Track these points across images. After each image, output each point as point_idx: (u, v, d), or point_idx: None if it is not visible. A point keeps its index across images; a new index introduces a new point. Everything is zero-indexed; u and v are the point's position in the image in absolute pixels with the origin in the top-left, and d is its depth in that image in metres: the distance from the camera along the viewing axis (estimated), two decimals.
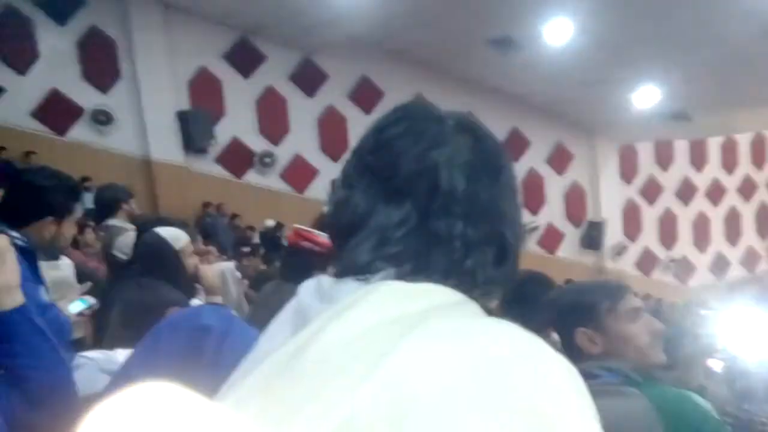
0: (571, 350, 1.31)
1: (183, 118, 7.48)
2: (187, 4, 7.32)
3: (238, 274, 3.27)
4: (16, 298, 0.97)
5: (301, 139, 8.55)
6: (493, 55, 7.56)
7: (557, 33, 6.89)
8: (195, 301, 1.76)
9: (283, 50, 8.23)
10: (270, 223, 7.33)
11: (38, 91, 6.90)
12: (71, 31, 7.11)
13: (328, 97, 8.73)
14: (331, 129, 8.65)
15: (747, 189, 12.56)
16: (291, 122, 8.54)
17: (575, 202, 10.78)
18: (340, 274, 0.59)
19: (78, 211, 1.56)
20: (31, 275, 1.31)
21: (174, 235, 1.77)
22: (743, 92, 8.17)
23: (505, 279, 0.61)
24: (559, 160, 10.60)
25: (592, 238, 10.34)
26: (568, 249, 10.55)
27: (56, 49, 7.00)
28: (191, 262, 1.77)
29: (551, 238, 10.45)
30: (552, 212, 10.50)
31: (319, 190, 7.63)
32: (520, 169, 10.17)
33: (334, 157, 8.07)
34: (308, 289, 0.59)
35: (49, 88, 6.94)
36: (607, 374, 1.22)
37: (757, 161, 12.59)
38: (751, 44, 6.76)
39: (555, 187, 10.60)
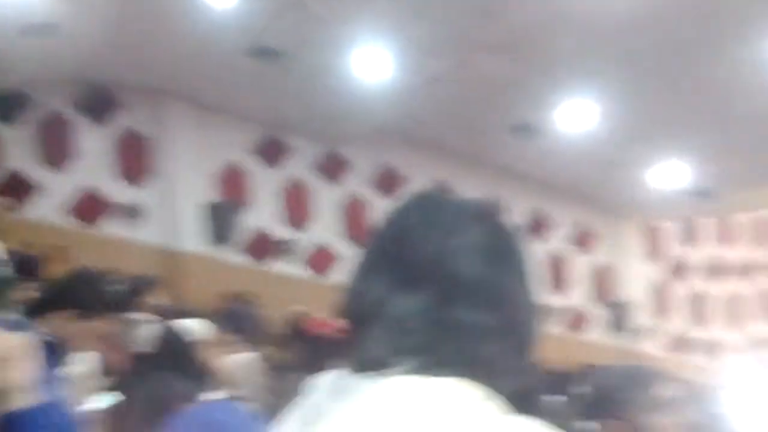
0: None
1: (211, 210, 7.71)
2: (219, 102, 7.72)
3: (263, 365, 3.24)
4: (28, 398, 0.97)
5: (325, 226, 8.68)
6: (515, 141, 7.72)
7: (577, 117, 7.03)
8: (211, 395, 1.75)
9: (308, 142, 8.53)
10: (295, 310, 7.30)
11: (73, 188, 7.21)
12: (108, 131, 7.51)
13: (351, 186, 8.93)
14: (354, 216, 8.78)
15: None
16: (314, 210, 8.71)
17: (601, 283, 10.58)
18: (358, 368, 0.58)
19: (104, 305, 1.59)
20: (52, 371, 1.32)
21: (190, 328, 1.79)
22: (764, 169, 8.14)
23: (526, 367, 0.61)
24: (584, 240, 10.52)
25: (618, 320, 10.05)
26: (595, 331, 10.26)
27: (93, 148, 7.37)
28: (209, 354, 1.78)
29: (578, 320, 10.20)
30: (577, 294, 10.31)
31: (344, 277, 7.61)
32: (545, 250, 10.11)
33: (358, 244, 8.13)
34: (324, 383, 0.58)
35: (84, 184, 7.25)
36: None
37: None
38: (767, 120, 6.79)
39: (580, 268, 10.46)
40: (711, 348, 11.28)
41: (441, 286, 0.58)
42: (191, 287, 7.20)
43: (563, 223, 10.31)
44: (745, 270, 11.86)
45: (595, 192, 9.84)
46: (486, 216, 0.65)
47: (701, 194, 8.66)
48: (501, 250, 0.62)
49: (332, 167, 8.84)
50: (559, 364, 7.26)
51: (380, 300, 0.60)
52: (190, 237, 7.59)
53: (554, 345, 8.29)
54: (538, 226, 10.06)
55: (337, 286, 0.70)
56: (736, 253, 11.76)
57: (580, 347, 9.59)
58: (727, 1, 4.99)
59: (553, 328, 9.57)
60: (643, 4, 5.10)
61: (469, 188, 9.32)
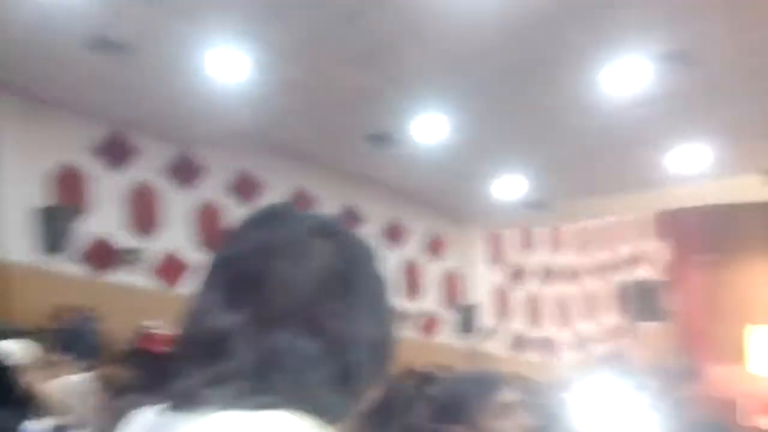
0: None
1: (43, 215, 6.94)
2: (55, 97, 7.01)
3: (99, 386, 2.97)
4: None
5: (175, 233, 8.23)
6: (371, 150, 7.89)
7: (430, 129, 7.35)
8: (36, 424, 1.57)
9: (157, 144, 8.04)
10: (144, 325, 6.83)
11: None
12: None
13: (205, 191, 8.57)
14: (207, 223, 8.43)
15: (601, 270, 13.73)
16: (163, 216, 8.23)
17: (451, 288, 11.18)
18: (172, 401, 0.53)
19: None
20: None
21: (10, 350, 1.60)
22: (590, 182, 9.12)
23: (351, 398, 0.57)
24: (436, 247, 11.05)
25: (466, 322, 10.69)
26: (446, 334, 10.81)
27: None
28: (33, 377, 1.60)
29: (430, 324, 10.68)
30: (429, 299, 10.80)
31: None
32: (399, 258, 10.45)
33: (211, 252, 7.80)
34: (139, 422, 0.53)
35: None
36: None
37: (609, 244, 13.88)
38: (593, 140, 7.61)
39: (432, 274, 10.97)
40: (545, 346, 12.38)
41: (264, 308, 0.55)
42: (18, 302, 6.45)
43: (416, 230, 10.74)
44: (573, 274, 13.19)
45: (445, 201, 10.40)
46: (333, 235, 0.61)
47: (536, 205, 9.50)
48: (341, 271, 0.58)
49: (184, 171, 8.41)
50: (415, 367, 7.54)
51: (205, 320, 0.56)
52: (18, 246, 6.78)
53: (409, 349, 8.59)
54: (393, 234, 10.38)
55: (189, 298, 0.66)
56: (565, 258, 13.05)
57: (433, 350, 10.03)
58: (563, 30, 5.53)
59: (408, 332, 9.93)
60: (490, 27, 5.49)
61: (327, 196, 9.38)
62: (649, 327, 13.72)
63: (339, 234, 0.61)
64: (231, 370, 0.53)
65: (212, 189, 8.59)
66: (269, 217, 0.62)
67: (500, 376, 1.44)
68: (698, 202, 10.30)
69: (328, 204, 9.11)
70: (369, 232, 9.97)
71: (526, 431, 1.30)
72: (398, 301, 10.09)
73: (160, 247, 8.10)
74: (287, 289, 0.55)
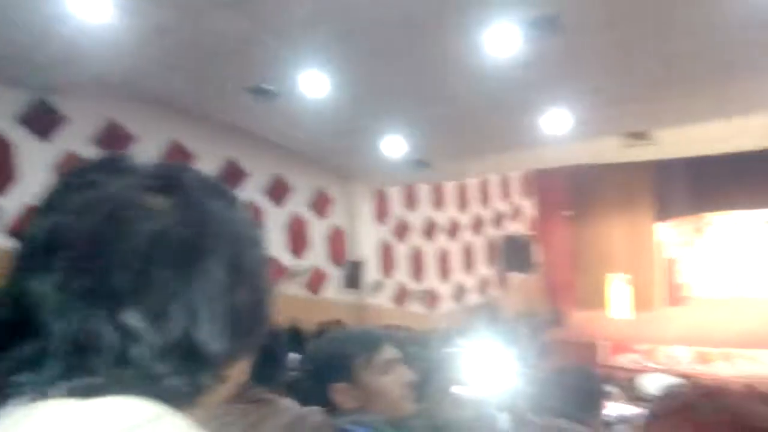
0: (328, 405, 1.31)
1: None
2: None
3: None
4: None
5: (33, 189, 7.50)
6: (253, 103, 7.59)
7: (313, 84, 7.18)
8: None
9: (9, 90, 7.21)
10: None
11: None
12: None
13: (66, 143, 7.84)
14: None
15: (477, 225, 14.45)
16: (18, 171, 7.46)
17: (336, 244, 11.25)
18: None
19: None
20: None
21: None
22: (470, 142, 9.44)
23: (201, 377, 0.50)
24: (321, 204, 11.01)
25: (352, 278, 10.86)
26: (332, 289, 10.92)
27: None
28: None
29: (316, 281, 10.72)
30: (315, 255, 10.81)
31: None
32: (285, 215, 10.31)
33: None
34: None
35: None
36: (358, 429, 1.24)
37: (485, 201, 14.59)
38: (473, 101, 7.84)
39: (317, 230, 10.95)
40: (428, 297, 12.91)
41: (82, 278, 0.47)
42: None
43: (301, 187, 10.62)
44: (453, 230, 13.76)
45: (330, 158, 10.32)
46: (173, 190, 0.52)
47: (420, 164, 9.71)
48: (181, 233, 0.50)
49: (41, 120, 7.63)
50: (302, 323, 7.55)
51: (13, 290, 0.48)
52: None
53: (296, 306, 8.58)
54: (277, 190, 10.19)
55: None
56: (446, 214, 13.56)
57: (320, 306, 10.10)
58: None
59: (295, 290, 9.90)
60: None
61: (206, 150, 8.97)
62: (519, 278, 14.74)
63: (183, 189, 0.53)
64: (42, 350, 0.46)
65: (75, 140, 7.89)
66: (97, 170, 0.53)
67: (381, 334, 1.46)
68: (563, 163, 11.05)
69: (208, 158, 8.72)
70: (252, 188, 9.71)
71: (406, 386, 1.33)
72: (283, 258, 10.00)
73: (17, 203, 7.37)
74: (110, 257, 0.47)
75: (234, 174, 9.37)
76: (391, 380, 1.30)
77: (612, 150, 9.22)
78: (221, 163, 9.28)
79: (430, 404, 2.23)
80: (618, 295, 15.19)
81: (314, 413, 1.31)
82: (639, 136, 8.59)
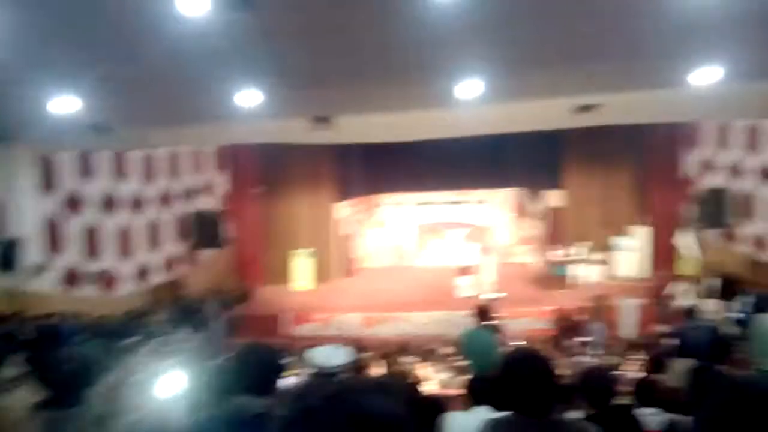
0: None
1: None
2: None
3: None
4: None
5: None
6: None
7: None
8: None
9: None
10: None
11: None
12: None
13: None
14: None
15: (165, 199, 13.73)
16: None
17: None
18: None
19: None
20: None
21: None
22: (159, 111, 8.86)
23: None
24: None
25: (6, 259, 9.27)
26: None
27: None
28: None
29: None
30: None
31: None
32: None
33: None
34: None
35: None
36: None
37: (174, 174, 13.92)
38: (164, 66, 7.35)
39: None
40: (103, 279, 11.73)
41: None
42: None
43: None
44: (137, 203, 12.80)
45: None
46: None
47: (96, 128, 8.73)
48: None
49: None
50: None
51: None
52: None
53: None
54: None
55: None
56: (129, 187, 12.52)
57: None
58: None
59: None
60: None
61: None
62: (208, 254, 14.54)
63: None
64: None
65: None
66: None
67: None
68: (254, 140, 11.23)
69: None
70: None
71: (30, 405, 1.19)
72: None
73: None
74: None
75: None
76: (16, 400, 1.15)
77: (299, 131, 9.70)
78: None
79: (96, 396, 2.05)
80: (301, 268, 16.19)
81: None
82: (322, 120, 9.20)
